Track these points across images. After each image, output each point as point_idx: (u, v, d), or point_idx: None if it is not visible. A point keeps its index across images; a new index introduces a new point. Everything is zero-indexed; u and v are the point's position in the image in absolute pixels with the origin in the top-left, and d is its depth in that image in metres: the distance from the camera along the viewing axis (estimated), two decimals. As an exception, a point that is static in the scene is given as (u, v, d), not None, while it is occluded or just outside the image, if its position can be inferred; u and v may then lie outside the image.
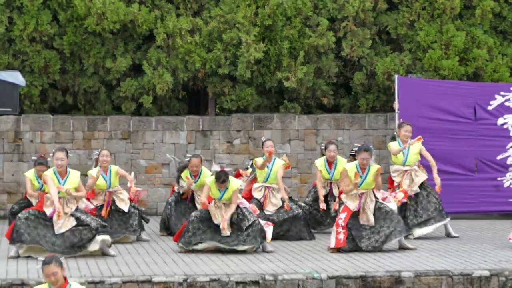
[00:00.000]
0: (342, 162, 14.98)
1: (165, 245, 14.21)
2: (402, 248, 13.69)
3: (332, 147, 14.83)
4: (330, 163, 15.08)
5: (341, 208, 13.58)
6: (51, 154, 12.90)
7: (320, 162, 15.14)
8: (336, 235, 13.46)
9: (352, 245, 13.56)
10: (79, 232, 13.06)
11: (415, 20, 18.12)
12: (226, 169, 13.52)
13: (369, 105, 18.23)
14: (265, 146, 14.67)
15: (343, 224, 13.44)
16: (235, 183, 13.17)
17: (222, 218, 13.35)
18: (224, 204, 13.25)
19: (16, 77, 16.94)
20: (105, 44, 17.68)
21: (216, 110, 18.52)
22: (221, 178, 12.92)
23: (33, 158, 14.19)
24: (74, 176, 12.78)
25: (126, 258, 13.01)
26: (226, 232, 13.16)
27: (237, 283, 11.60)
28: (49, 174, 12.68)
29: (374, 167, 13.45)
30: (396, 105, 16.84)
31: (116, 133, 17.36)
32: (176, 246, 13.73)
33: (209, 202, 13.29)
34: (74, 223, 12.88)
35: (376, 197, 13.59)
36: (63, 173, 12.68)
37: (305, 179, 17.62)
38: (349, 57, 18.16)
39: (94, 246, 13.09)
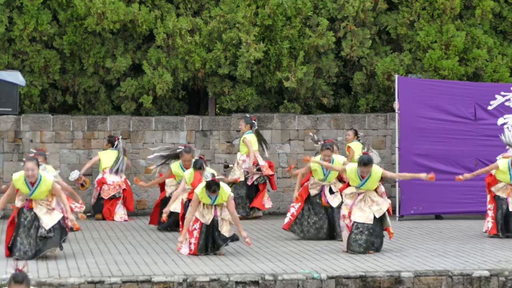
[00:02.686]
0: (337, 162, 14.95)
1: (164, 245, 14.23)
2: None
3: (326, 152, 14.72)
4: None
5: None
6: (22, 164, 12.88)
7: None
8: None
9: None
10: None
11: (415, 20, 18.17)
12: (220, 175, 13.70)
13: (369, 105, 18.30)
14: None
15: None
16: (226, 191, 13.18)
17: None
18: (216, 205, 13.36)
19: (16, 77, 16.98)
20: (105, 44, 17.73)
21: (216, 110, 18.57)
22: (212, 188, 12.93)
23: (31, 150, 14.12)
24: (44, 184, 12.79)
25: (126, 258, 13.01)
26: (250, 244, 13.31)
27: (237, 283, 11.63)
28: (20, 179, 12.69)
29: (378, 172, 13.50)
30: (396, 105, 16.87)
31: (116, 133, 17.35)
32: (175, 245, 13.78)
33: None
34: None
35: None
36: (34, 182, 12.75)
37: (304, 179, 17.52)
38: (349, 57, 18.22)
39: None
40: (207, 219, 13.21)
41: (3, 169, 17.19)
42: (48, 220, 12.78)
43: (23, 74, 17.26)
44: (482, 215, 15.94)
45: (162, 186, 16.00)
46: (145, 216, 17.22)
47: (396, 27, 18.26)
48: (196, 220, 13.24)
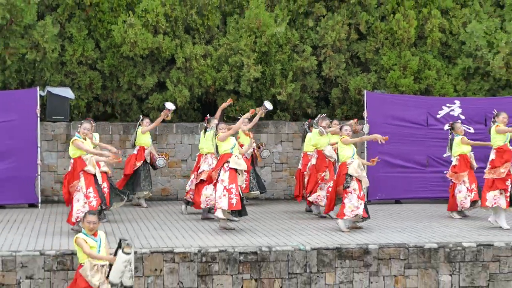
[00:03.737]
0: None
1: (183, 224, 14.26)
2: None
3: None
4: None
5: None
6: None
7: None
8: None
9: None
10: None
11: (380, 47, 18.22)
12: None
13: (343, 114, 18.27)
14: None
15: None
16: None
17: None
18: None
19: (67, 92, 17.12)
20: (137, 66, 17.75)
21: (224, 118, 18.48)
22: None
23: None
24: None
25: (153, 233, 13.10)
26: None
27: (240, 253, 11.76)
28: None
29: None
30: (365, 114, 16.88)
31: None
32: (192, 223, 13.79)
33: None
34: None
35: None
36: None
37: (292, 172, 17.58)
38: (328, 76, 18.26)
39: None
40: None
41: (57, 164, 17.21)
42: None
43: (73, 90, 17.32)
44: (432, 200, 16.01)
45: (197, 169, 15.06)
46: (168, 201, 17.31)
47: (364, 52, 18.31)
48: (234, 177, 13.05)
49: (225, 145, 13.14)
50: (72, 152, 12.78)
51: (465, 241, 12.44)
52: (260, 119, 15.57)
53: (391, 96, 17.49)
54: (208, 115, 15.25)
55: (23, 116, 16.15)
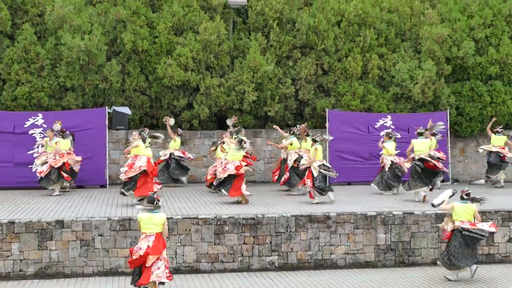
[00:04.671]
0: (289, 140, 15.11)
1: (204, 198, 14.15)
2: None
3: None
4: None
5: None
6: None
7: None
8: None
9: None
10: None
11: (337, 80, 18.11)
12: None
13: (313, 125, 18.13)
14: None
15: None
16: None
17: None
18: None
19: (126, 110, 17.12)
20: (173, 92, 17.65)
21: (234, 126, 18.43)
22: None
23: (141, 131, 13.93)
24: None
25: (184, 205, 13.07)
26: None
27: (243, 218, 11.86)
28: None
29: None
30: (327, 125, 16.83)
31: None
32: (210, 198, 13.70)
33: None
34: None
35: None
36: None
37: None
38: (302, 99, 18.18)
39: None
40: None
41: (119, 158, 17.01)
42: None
43: (130, 108, 17.29)
44: (369, 182, 15.89)
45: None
46: (195, 183, 17.09)
47: (327, 83, 18.20)
48: None
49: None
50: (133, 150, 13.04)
51: (395, 210, 12.51)
52: (257, 128, 15.65)
53: (345, 113, 17.47)
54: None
55: (97, 126, 16.17)
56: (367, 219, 12.18)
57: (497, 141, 16.54)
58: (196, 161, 17.41)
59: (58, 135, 14.76)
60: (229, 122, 16.01)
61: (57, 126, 14.89)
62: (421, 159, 13.87)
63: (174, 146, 16.34)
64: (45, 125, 15.77)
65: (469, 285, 10.89)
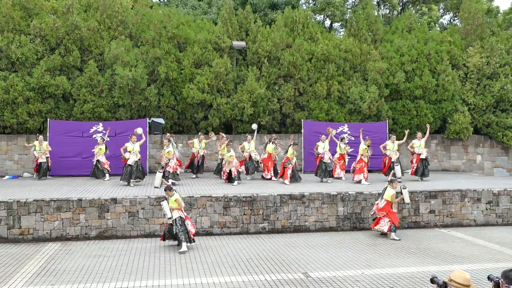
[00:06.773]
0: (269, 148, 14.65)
1: (216, 181, 14.06)
2: None
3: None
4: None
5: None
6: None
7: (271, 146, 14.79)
8: None
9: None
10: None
11: (309, 99, 17.96)
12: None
13: (292, 131, 17.94)
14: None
15: None
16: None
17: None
18: None
19: (161, 120, 16.93)
20: (194, 108, 17.48)
21: (235, 132, 18.47)
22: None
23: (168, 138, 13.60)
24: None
25: (202, 188, 12.90)
26: None
27: (243, 197, 11.71)
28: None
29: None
30: (303, 131, 16.68)
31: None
32: (220, 184, 13.55)
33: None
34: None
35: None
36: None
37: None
38: (285, 113, 18.02)
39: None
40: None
41: (156, 155, 16.89)
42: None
43: (164, 119, 17.14)
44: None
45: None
46: (209, 172, 16.79)
47: (302, 102, 17.99)
48: None
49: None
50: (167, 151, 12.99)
51: (350, 191, 12.41)
52: (253, 133, 15.44)
53: (315, 122, 17.20)
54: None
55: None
56: (331, 197, 12.13)
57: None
58: (211, 156, 17.29)
59: (167, 146, 13.99)
60: (254, 126, 15.42)
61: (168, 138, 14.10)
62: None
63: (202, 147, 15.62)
64: (104, 131, 15.73)
65: (403, 242, 10.78)
